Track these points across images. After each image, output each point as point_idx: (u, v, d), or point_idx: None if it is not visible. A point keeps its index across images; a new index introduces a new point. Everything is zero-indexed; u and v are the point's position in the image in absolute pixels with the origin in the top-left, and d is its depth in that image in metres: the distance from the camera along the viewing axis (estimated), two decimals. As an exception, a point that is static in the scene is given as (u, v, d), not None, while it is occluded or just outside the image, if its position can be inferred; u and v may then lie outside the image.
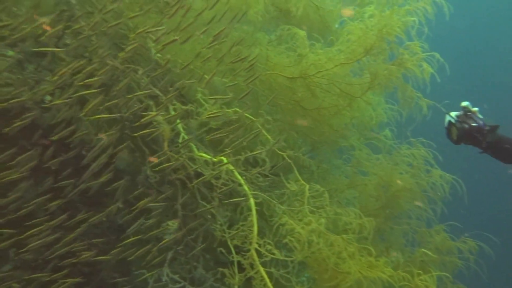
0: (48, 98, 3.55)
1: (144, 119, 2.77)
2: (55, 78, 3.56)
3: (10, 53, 3.27)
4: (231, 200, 2.64)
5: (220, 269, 2.54)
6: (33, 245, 2.59)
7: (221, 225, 2.52)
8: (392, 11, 2.82)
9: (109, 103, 3.44)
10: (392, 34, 2.87)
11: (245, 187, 2.44)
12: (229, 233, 2.48)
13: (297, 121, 3.34)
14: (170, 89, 3.48)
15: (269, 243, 2.32)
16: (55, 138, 3.21)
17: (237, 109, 2.80)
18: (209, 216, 3.34)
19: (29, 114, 3.09)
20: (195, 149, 2.83)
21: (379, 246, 3.47)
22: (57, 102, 3.18)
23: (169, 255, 3.30)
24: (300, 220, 2.50)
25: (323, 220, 2.44)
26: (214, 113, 2.65)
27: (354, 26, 2.96)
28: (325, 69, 2.97)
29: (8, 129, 2.98)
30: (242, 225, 2.40)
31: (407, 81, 3.34)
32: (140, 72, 3.28)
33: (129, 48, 3.25)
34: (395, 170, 3.70)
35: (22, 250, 2.88)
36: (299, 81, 3.13)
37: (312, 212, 2.56)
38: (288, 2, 3.29)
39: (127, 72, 3.32)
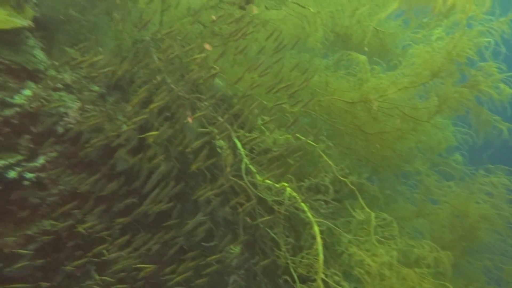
0: (124, 127, 3.95)
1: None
2: (129, 108, 3.94)
3: (95, 88, 3.74)
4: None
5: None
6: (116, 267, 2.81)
7: (284, 252, 2.51)
8: (462, 33, 2.68)
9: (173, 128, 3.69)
10: (462, 56, 2.72)
11: (309, 214, 2.42)
12: (293, 260, 2.46)
13: (358, 146, 3.27)
14: (228, 114, 3.65)
15: (336, 274, 2.24)
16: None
17: (298, 135, 2.84)
18: (271, 243, 3.35)
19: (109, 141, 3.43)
20: (257, 175, 2.91)
21: (457, 282, 3.13)
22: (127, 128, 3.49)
23: (231, 279, 3.34)
24: (368, 250, 2.39)
25: (394, 253, 2.30)
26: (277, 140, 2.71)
27: (420, 49, 2.88)
28: (388, 93, 2.90)
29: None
30: (307, 253, 2.37)
31: (481, 104, 3.11)
32: (206, 102, 3.49)
33: (192, 75, 3.49)
34: (471, 199, 3.37)
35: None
36: (359, 105, 3.09)
37: (380, 242, 2.44)
38: (348, 27, 3.32)
39: (192, 100, 3.55)
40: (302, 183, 2.56)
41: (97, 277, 3.21)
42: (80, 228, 3.27)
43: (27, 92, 3.12)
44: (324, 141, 2.81)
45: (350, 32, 3.34)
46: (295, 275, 2.45)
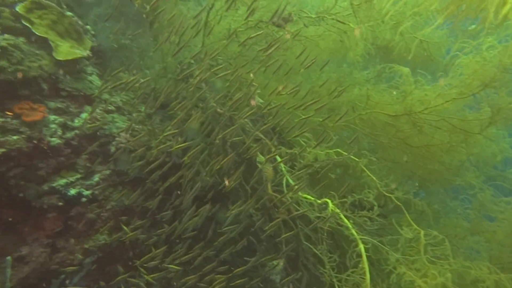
0: (169, 143, 4.14)
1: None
2: (169, 127, 4.13)
3: (142, 108, 3.98)
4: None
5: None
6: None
7: (328, 269, 2.47)
8: (517, 40, 2.54)
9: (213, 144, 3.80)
10: (517, 65, 2.56)
11: (353, 231, 2.37)
12: (339, 278, 2.40)
13: (403, 159, 3.16)
14: (269, 131, 3.70)
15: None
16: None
17: (340, 150, 2.82)
18: (314, 259, 3.31)
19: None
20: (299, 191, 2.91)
21: None
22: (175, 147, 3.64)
23: (274, 294, 3.31)
24: (418, 270, 2.28)
25: (449, 275, 2.17)
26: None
27: (469, 59, 2.74)
28: (434, 105, 2.79)
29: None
30: (352, 272, 2.31)
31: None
32: (246, 118, 3.55)
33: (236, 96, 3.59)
34: (534, 216, 3.09)
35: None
36: (403, 118, 3.00)
37: (432, 262, 2.31)
38: (390, 40, 3.26)
39: (234, 118, 3.64)
40: (345, 199, 2.51)
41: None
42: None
43: (85, 115, 3.39)
44: (367, 155, 2.75)
45: (392, 44, 3.27)
46: None
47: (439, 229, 2.75)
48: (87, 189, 3.35)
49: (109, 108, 3.66)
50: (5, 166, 2.79)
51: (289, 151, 2.85)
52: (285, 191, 2.85)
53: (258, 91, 3.67)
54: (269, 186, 3.37)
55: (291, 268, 3.41)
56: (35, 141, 2.95)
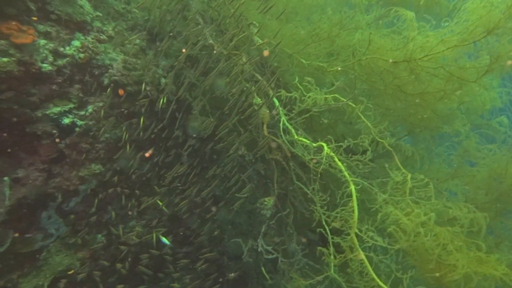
0: (163, 80, 4.07)
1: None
2: (167, 62, 4.02)
3: (137, 41, 3.83)
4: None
5: (320, 248, 2.66)
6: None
7: (318, 207, 2.62)
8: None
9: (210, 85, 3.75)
10: (523, 11, 2.48)
11: (345, 173, 2.47)
12: (328, 215, 2.57)
13: (396, 106, 3.19)
14: (267, 71, 3.64)
15: (371, 230, 2.33)
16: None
17: (337, 95, 2.82)
18: (302, 198, 3.49)
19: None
20: (294, 133, 2.96)
21: (488, 240, 3.15)
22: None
23: (263, 228, 3.53)
24: (403, 210, 2.44)
25: (433, 215, 2.33)
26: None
27: (476, 3, 2.64)
28: (435, 52, 2.75)
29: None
30: (342, 210, 2.46)
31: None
32: (243, 58, 3.48)
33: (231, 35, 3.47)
34: (512, 162, 3.24)
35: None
36: (402, 65, 2.97)
37: (415, 202, 2.47)
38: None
39: (232, 57, 3.56)
40: (341, 144, 2.57)
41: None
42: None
43: (77, 43, 3.26)
44: (363, 102, 2.76)
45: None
46: (327, 228, 2.57)
47: (424, 173, 2.89)
48: (81, 119, 3.34)
49: (101, 37, 3.51)
50: (-4, 88, 2.73)
51: (288, 94, 2.84)
52: (282, 134, 2.90)
53: (256, 29, 3.54)
54: (264, 128, 3.41)
55: (281, 205, 3.58)
56: (26, 65, 2.85)
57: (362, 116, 2.82)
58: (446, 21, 2.77)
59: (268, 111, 3.41)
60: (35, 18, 2.96)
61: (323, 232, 3.22)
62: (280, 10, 3.54)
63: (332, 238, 2.47)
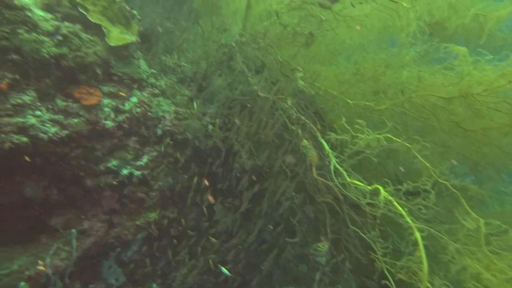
0: (210, 127, 4.24)
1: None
2: (213, 109, 4.19)
3: (186, 92, 4.08)
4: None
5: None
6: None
7: (380, 255, 2.46)
8: None
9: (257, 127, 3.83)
10: None
11: (407, 219, 2.33)
12: (392, 265, 2.39)
13: (455, 144, 3.02)
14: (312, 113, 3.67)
15: (446, 285, 2.12)
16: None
17: (389, 135, 2.75)
18: (356, 242, 3.33)
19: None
20: (345, 175, 2.89)
21: None
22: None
23: (317, 276, 3.38)
24: (480, 261, 2.20)
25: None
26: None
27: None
28: (495, 86, 2.60)
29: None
30: (408, 260, 2.28)
31: None
32: (289, 101, 3.55)
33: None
34: None
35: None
36: (457, 100, 2.84)
37: (495, 253, 2.22)
38: (446, 19, 3.05)
39: (277, 102, 3.63)
40: (400, 187, 2.45)
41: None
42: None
43: (134, 99, 3.53)
44: (419, 141, 2.65)
45: (447, 23, 3.06)
46: (391, 279, 2.38)
47: (494, 216, 2.63)
48: (137, 170, 3.53)
49: (155, 91, 3.78)
50: (68, 147, 3.00)
51: (339, 137, 2.82)
52: (333, 176, 2.85)
53: (301, 74, 3.62)
54: (313, 170, 3.37)
55: (335, 250, 3.44)
56: (92, 124, 3.12)
57: (419, 156, 2.70)
58: (507, 54, 2.64)
59: (316, 153, 3.39)
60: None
61: (388, 283, 3.00)
62: (322, 54, 3.62)
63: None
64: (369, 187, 2.65)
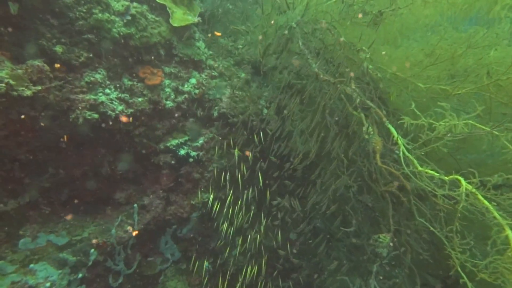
0: (265, 111, 4.19)
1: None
2: (269, 93, 4.11)
3: (242, 75, 4.06)
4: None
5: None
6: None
7: (460, 252, 2.24)
8: None
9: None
10: None
11: (496, 214, 2.08)
12: (474, 264, 2.17)
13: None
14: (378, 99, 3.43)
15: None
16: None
17: (470, 121, 2.46)
18: (417, 236, 3.10)
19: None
20: (416, 164, 2.66)
21: None
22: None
23: (374, 267, 3.21)
24: None
25: None
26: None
27: None
28: None
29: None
30: (495, 259, 2.04)
31: None
32: (352, 84, 3.35)
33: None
34: None
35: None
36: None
37: None
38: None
39: (339, 85, 3.45)
40: (489, 179, 2.18)
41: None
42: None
43: (193, 80, 3.59)
44: (510, 128, 2.33)
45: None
46: (465, 278, 2.16)
47: None
48: (193, 150, 3.61)
49: (213, 73, 3.81)
50: (132, 125, 3.14)
51: (414, 121, 2.59)
52: (403, 165, 2.64)
53: (367, 55, 3.39)
54: (377, 157, 3.16)
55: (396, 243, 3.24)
56: (154, 104, 3.23)
57: (509, 146, 2.38)
58: None
59: (380, 140, 3.18)
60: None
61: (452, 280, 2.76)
62: (391, 34, 3.35)
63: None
64: (446, 178, 2.41)
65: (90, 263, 2.91)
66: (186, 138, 3.63)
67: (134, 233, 3.09)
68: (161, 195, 3.50)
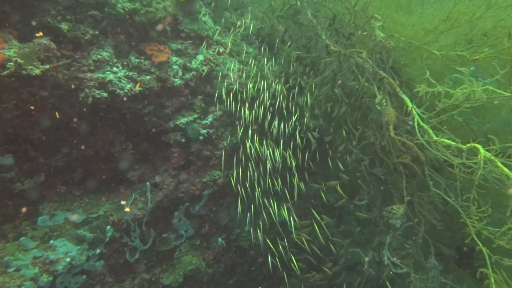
0: (274, 86, 4.14)
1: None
2: (278, 67, 4.04)
3: (250, 49, 3.99)
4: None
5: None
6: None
7: (477, 221, 2.23)
8: None
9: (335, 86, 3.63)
10: None
11: (514, 181, 2.04)
12: (491, 232, 2.16)
13: None
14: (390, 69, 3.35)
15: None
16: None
17: (490, 87, 2.39)
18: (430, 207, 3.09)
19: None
20: (432, 133, 2.62)
21: None
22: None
23: (388, 239, 3.24)
24: None
25: None
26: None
27: None
28: None
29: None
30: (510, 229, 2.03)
31: None
32: (363, 55, 3.27)
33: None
34: None
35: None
36: None
37: None
38: None
39: (351, 56, 3.38)
40: (510, 145, 2.13)
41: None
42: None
43: (200, 57, 3.55)
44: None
45: None
46: (481, 245, 2.15)
47: None
48: (203, 128, 3.62)
49: (220, 49, 3.75)
50: (141, 104, 3.15)
51: (430, 89, 2.53)
52: (418, 135, 2.60)
53: (379, 23, 3.28)
54: (391, 129, 3.12)
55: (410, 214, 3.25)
56: (162, 81, 3.22)
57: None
58: None
59: (393, 110, 3.12)
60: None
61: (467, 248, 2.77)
62: (406, 0, 3.22)
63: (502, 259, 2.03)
64: (463, 146, 2.37)
65: (107, 239, 3.00)
66: (196, 115, 3.63)
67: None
68: (172, 173, 3.54)
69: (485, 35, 2.85)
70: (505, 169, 2.07)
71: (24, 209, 2.71)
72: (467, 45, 2.98)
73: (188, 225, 3.65)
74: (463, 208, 2.45)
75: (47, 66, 2.50)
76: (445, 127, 2.93)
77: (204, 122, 3.68)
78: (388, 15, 3.27)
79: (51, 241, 2.69)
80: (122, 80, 2.99)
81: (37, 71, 2.43)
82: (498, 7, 2.74)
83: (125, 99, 2.98)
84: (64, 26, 2.60)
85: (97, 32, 2.77)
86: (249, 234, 3.94)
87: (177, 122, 3.48)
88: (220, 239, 3.87)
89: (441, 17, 3.06)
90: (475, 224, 2.18)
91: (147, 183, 3.36)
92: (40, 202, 2.82)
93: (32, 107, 2.60)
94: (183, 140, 3.55)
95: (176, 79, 3.35)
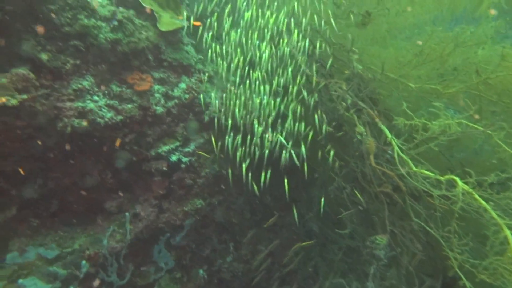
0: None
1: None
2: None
3: (232, 78, 4.08)
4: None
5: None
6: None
7: (459, 254, 2.27)
8: None
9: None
10: None
11: (493, 214, 2.11)
12: (473, 265, 2.21)
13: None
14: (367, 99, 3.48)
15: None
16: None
17: (463, 120, 2.52)
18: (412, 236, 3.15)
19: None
20: (411, 164, 2.71)
21: None
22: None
23: (371, 269, 3.25)
24: None
25: None
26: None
27: None
28: None
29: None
30: (495, 260, 2.07)
31: None
32: (343, 86, 3.40)
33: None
34: None
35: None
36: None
37: None
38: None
39: (331, 85, 3.49)
40: (485, 178, 2.22)
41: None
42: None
43: (183, 85, 3.58)
44: (503, 127, 2.38)
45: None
46: (464, 279, 2.20)
47: None
48: (185, 156, 3.60)
49: (202, 78, 3.80)
50: (122, 132, 3.12)
51: (408, 122, 2.64)
52: (398, 165, 2.68)
53: (356, 56, 3.44)
54: (371, 158, 3.21)
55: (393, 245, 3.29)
56: (144, 110, 3.22)
57: (503, 145, 2.43)
58: None
59: (373, 140, 3.22)
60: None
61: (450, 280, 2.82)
62: (380, 34, 3.41)
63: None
64: (442, 178, 2.45)
65: (82, 275, 2.87)
66: (177, 143, 3.62)
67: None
68: (153, 202, 3.47)
69: (456, 69, 3.03)
70: (483, 202, 2.16)
71: (-9, 246, 2.57)
72: (439, 79, 3.16)
73: (169, 257, 3.55)
74: (443, 239, 2.51)
75: (25, 96, 2.46)
76: (422, 156, 3.05)
77: (186, 150, 3.67)
78: (364, 48, 3.43)
79: (20, 280, 2.54)
80: (103, 109, 2.96)
81: (14, 102, 2.38)
82: (465, 45, 2.94)
83: (105, 127, 2.95)
84: (43, 56, 2.58)
85: (78, 62, 2.77)
86: (231, 266, 3.86)
87: (159, 151, 3.45)
88: (201, 271, 3.77)
89: (414, 51, 3.25)
90: (457, 256, 2.23)
91: (127, 213, 3.27)
92: (10, 237, 2.68)
93: (6, 137, 2.53)
94: (164, 168, 3.51)
95: (158, 107, 3.35)
